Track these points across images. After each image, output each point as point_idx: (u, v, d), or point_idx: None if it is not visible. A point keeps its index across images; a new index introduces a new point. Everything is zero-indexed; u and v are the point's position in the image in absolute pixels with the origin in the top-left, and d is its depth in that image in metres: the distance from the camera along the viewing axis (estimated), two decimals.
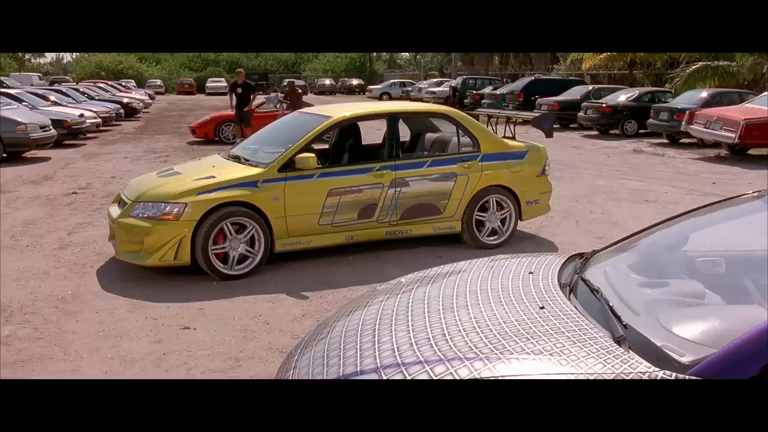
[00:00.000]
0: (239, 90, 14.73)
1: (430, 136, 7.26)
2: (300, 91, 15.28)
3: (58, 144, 15.33)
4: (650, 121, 17.30)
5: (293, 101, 16.10)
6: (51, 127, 13.95)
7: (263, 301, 5.22)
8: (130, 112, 25.31)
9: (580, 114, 19.84)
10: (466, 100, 29.78)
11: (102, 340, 4.46)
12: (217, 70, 62.71)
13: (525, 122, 8.76)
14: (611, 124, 19.29)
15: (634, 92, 20.19)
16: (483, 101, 27.69)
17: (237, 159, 6.32)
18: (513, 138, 7.21)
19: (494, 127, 7.55)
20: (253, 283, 5.59)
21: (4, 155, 13.00)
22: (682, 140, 16.91)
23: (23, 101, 16.60)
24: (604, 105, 19.31)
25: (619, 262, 2.90)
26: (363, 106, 7.07)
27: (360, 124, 7.20)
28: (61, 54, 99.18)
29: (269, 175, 5.81)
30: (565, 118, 21.03)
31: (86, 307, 5.07)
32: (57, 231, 7.42)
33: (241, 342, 4.43)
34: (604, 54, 27.23)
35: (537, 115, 7.01)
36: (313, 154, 5.94)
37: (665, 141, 17.31)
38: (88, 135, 18.02)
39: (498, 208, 6.70)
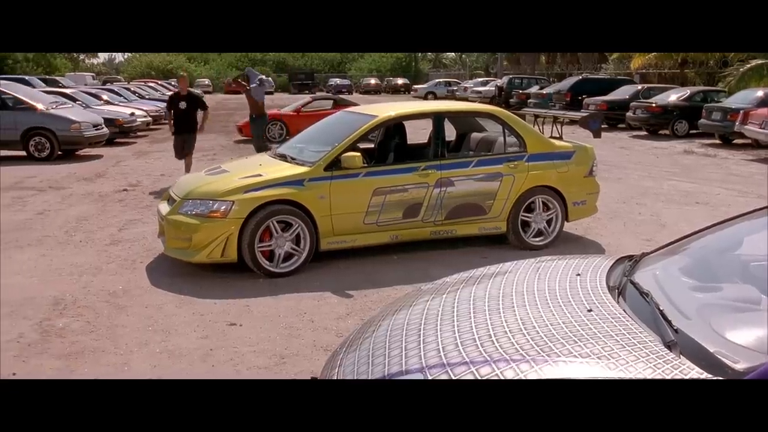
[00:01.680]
0: (182, 105, 10.16)
1: (475, 135, 7.22)
2: (249, 88, 11.79)
3: (109, 142, 15.71)
4: (702, 121, 16.89)
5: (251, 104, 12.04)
6: (103, 125, 14.30)
7: (308, 298, 5.26)
8: None
9: (629, 114, 19.49)
10: (511, 100, 29.54)
11: (151, 334, 4.55)
12: (264, 70, 63.22)
13: (572, 122, 8.65)
14: (661, 124, 18.90)
15: (686, 91, 19.74)
16: (529, 101, 27.41)
17: (283, 158, 6.38)
18: (560, 138, 7.12)
19: (541, 127, 7.47)
20: (299, 281, 5.64)
21: (59, 153, 13.38)
22: (735, 141, 16.48)
23: (77, 100, 17.04)
24: (653, 105, 18.93)
25: (669, 266, 2.84)
26: (408, 105, 7.08)
27: (405, 123, 7.20)
28: (113, 54, 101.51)
29: (315, 173, 5.85)
30: (613, 118, 20.69)
31: (136, 302, 5.18)
32: (108, 227, 7.60)
33: (286, 339, 4.48)
34: (654, 53, 26.68)
35: (585, 114, 6.90)
36: (359, 153, 5.96)
37: (717, 142, 16.89)
38: (139, 133, 18.43)
39: (544, 208, 6.63)
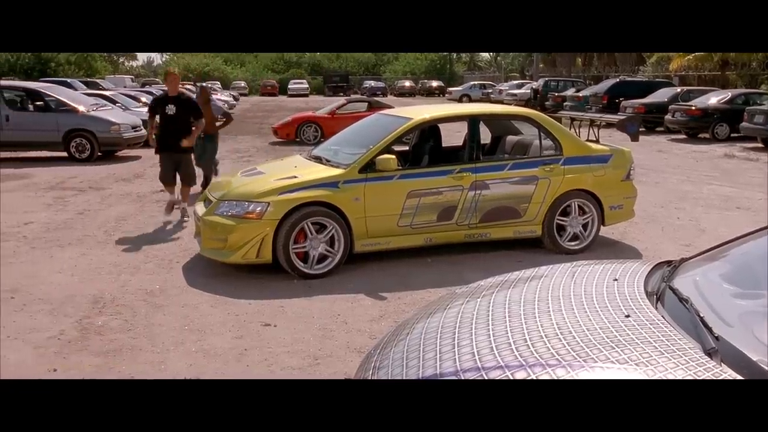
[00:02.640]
0: (170, 109, 7.73)
1: (511, 138, 7.18)
2: (208, 95, 10.44)
3: (147, 143, 15.94)
4: (744, 124, 16.55)
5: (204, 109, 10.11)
6: (142, 127, 14.52)
7: (342, 300, 5.27)
8: None
9: (668, 117, 19.18)
10: (547, 103, 29.27)
11: (187, 333, 4.61)
12: (299, 72, 63.90)
13: (609, 125, 8.54)
14: (701, 127, 18.56)
15: (727, 94, 19.35)
16: (565, 103, 27.14)
17: (318, 160, 6.42)
18: (597, 141, 7.04)
19: (577, 130, 7.39)
20: (332, 283, 5.66)
21: (99, 154, 13.64)
22: None
23: (117, 102, 17.35)
24: (693, 107, 18.60)
25: (710, 271, 2.78)
26: (443, 108, 7.07)
27: (440, 126, 7.19)
28: (151, 56, 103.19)
29: (350, 175, 5.87)
30: (651, 121, 20.37)
31: (172, 301, 5.25)
32: (146, 227, 7.72)
33: (319, 340, 4.50)
34: (693, 54, 26.22)
35: (622, 118, 6.81)
36: (393, 156, 5.97)
37: (760, 145, 16.51)
38: None
39: (580, 212, 6.56)
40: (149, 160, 13.99)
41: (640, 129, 7.02)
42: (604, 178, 6.57)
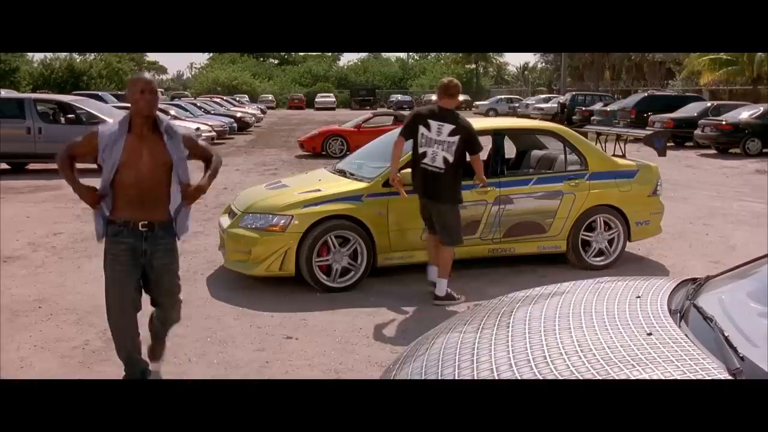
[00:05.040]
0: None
1: (536, 153, 7.14)
2: None
3: None
4: None
5: None
6: None
7: (364, 314, 5.27)
8: (242, 126, 26.35)
9: (697, 132, 18.95)
10: (574, 117, 29.09)
11: (209, 345, 4.63)
12: (326, 86, 64.32)
13: (636, 140, 8.45)
14: (731, 142, 18.31)
15: (758, 109, 19.07)
16: (593, 118, 26.94)
17: (342, 173, 6.44)
18: (623, 156, 6.98)
19: (603, 145, 7.33)
20: (355, 296, 5.66)
21: None
22: None
23: None
24: (723, 122, 18.36)
25: (736, 290, 2.73)
26: None
27: None
28: (181, 70, 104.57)
29: (373, 189, 5.88)
30: (680, 136, 20.16)
31: (196, 312, 5.28)
32: None
33: (341, 354, 4.49)
34: (725, 68, 25.90)
35: (649, 133, 6.75)
36: None
37: None
38: None
39: (605, 228, 6.49)
40: None
41: (669, 144, 6.91)
42: (630, 194, 6.50)
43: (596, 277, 3.20)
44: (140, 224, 3.56)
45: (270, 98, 57.63)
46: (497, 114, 42.31)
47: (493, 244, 6.22)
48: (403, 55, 79.90)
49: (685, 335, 2.22)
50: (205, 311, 5.33)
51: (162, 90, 51.73)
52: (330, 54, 77.92)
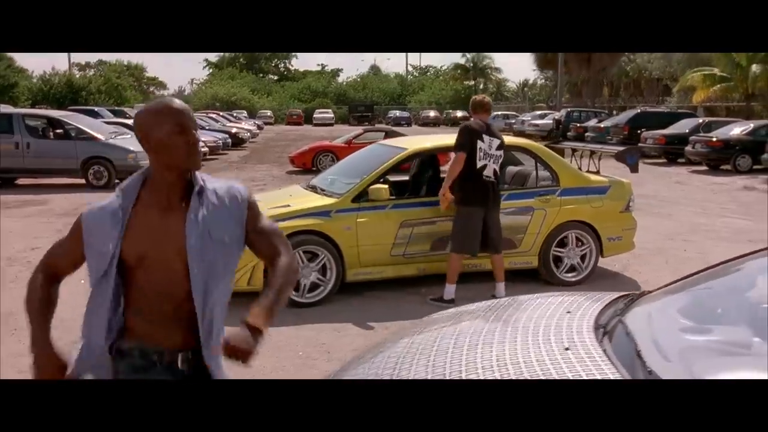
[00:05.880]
0: None
1: (511, 169, 7.16)
2: None
3: None
4: (764, 156, 16.34)
5: None
6: None
7: (329, 329, 5.26)
8: (237, 141, 26.42)
9: (688, 148, 19.00)
10: (569, 133, 29.16)
11: None
12: (324, 102, 64.54)
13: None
14: (722, 159, 18.36)
15: (749, 125, 19.12)
16: (587, 134, 27.03)
17: (314, 189, 6.46)
18: (597, 172, 7.00)
19: (579, 161, 7.35)
20: (323, 312, 5.65)
21: (116, 181, 13.88)
22: None
23: None
24: (714, 139, 18.41)
25: (669, 305, 2.73)
26: (441, 138, 7.05)
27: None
28: (183, 85, 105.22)
29: (342, 205, 5.90)
30: (672, 152, 20.21)
31: None
32: None
33: (299, 369, 4.48)
34: (718, 85, 26.00)
35: (621, 149, 6.76)
36: (386, 186, 5.98)
37: None
38: None
39: (577, 244, 6.49)
40: None
41: (655, 160, 6.94)
42: (602, 210, 6.51)
43: (567, 291, 3.21)
44: (180, 356, 2.10)
45: (269, 114, 57.77)
46: None
47: (464, 259, 6.21)
48: (402, 71, 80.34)
49: (603, 351, 2.22)
50: None
51: None
52: (329, 70, 78.38)
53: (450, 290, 5.82)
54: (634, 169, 6.80)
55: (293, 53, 77.80)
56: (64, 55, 54.81)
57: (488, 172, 5.71)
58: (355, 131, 19.71)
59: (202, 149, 18.95)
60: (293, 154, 18.46)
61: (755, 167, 17.63)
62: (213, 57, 78.52)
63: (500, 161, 5.85)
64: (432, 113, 57.21)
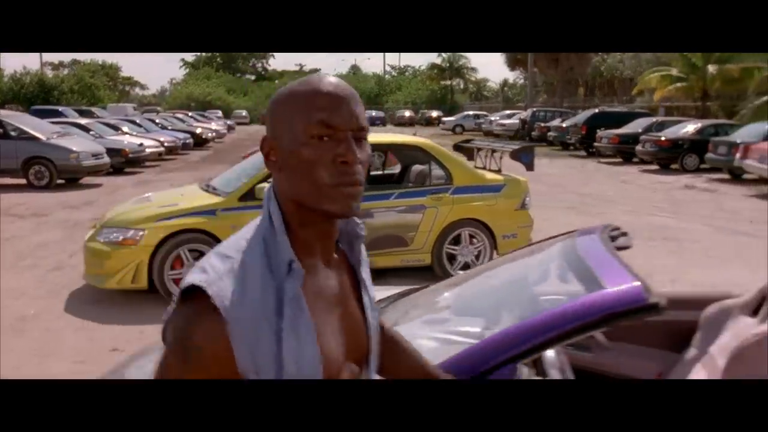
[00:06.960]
0: None
1: (415, 168, 7.23)
2: None
3: (119, 171, 16.30)
4: (708, 155, 16.59)
5: None
6: (104, 155, 14.75)
7: None
8: (200, 141, 26.39)
9: (638, 147, 19.24)
10: (534, 133, 29.42)
11: (29, 358, 4.67)
12: None
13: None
14: (670, 158, 18.59)
15: (697, 125, 19.37)
16: (549, 134, 27.32)
17: (208, 188, 6.51)
18: (498, 171, 7.10)
19: (484, 160, 7.46)
20: None
21: (58, 181, 13.85)
22: (745, 176, 16.05)
23: (91, 131, 17.61)
24: (662, 138, 18.64)
25: (431, 299, 2.82)
26: (374, 136, 7.09)
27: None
28: (165, 85, 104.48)
29: (229, 203, 5.96)
30: (625, 151, 20.43)
31: (39, 326, 5.32)
32: (61, 253, 7.83)
33: None
34: (674, 85, 26.26)
35: (516, 147, 6.86)
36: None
37: (726, 176, 16.50)
38: (149, 163, 18.92)
39: (471, 241, 6.59)
40: (110, 188, 14.20)
41: (535, 158, 7.02)
42: (496, 207, 6.61)
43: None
44: None
45: (243, 114, 57.59)
46: (464, 130, 42.62)
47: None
48: (380, 70, 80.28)
49: None
50: (49, 324, 5.37)
51: (134, 105, 51.04)
52: (307, 70, 78.18)
53: None
54: (529, 167, 6.90)
55: (271, 53, 77.66)
56: (36, 54, 54.49)
57: None
58: None
59: (156, 149, 18.98)
60: (246, 154, 18.45)
61: (702, 166, 17.88)
62: (189, 56, 78.33)
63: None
64: (407, 113, 57.28)
